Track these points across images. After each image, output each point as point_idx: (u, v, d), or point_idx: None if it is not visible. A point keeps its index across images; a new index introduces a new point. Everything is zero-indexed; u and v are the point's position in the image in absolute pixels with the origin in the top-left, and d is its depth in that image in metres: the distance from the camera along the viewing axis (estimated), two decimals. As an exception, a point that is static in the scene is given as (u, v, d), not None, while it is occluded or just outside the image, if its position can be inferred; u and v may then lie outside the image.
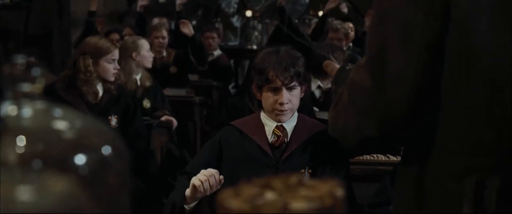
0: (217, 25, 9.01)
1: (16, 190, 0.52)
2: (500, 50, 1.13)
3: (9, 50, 5.64)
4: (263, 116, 2.20)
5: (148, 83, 4.26)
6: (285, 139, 2.16)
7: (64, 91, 3.25)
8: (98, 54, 3.25)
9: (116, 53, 3.33)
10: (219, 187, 1.98)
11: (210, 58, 6.31)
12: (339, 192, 0.56)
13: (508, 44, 1.13)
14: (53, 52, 6.79)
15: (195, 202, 2.01)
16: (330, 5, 5.84)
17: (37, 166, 0.53)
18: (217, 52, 6.53)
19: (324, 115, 2.87)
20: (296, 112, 2.21)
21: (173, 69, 5.37)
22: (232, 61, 8.10)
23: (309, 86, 3.50)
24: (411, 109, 1.17)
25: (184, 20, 5.48)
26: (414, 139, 1.24)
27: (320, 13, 7.07)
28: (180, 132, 4.64)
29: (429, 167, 1.20)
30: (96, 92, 3.30)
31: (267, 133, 2.17)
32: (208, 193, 1.97)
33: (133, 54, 4.22)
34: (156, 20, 6.53)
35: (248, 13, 9.73)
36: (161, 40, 5.39)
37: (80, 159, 0.56)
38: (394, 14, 1.17)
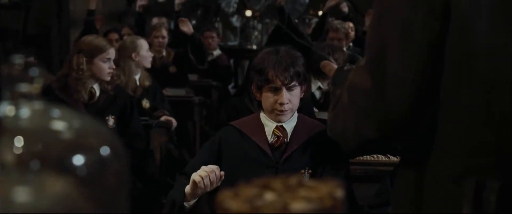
0: (216, 25, 9.02)
1: (14, 191, 0.51)
2: (500, 50, 1.13)
3: (7, 50, 5.63)
4: (263, 116, 2.20)
5: (147, 83, 4.25)
6: (285, 139, 2.16)
7: (61, 91, 3.23)
8: (93, 53, 3.22)
9: (111, 52, 3.29)
10: (219, 184, 1.97)
11: (209, 58, 6.30)
12: (339, 192, 0.55)
13: (508, 44, 1.13)
14: (52, 52, 6.79)
15: (195, 199, 2.01)
16: (330, 3, 5.85)
17: (35, 167, 0.53)
18: (217, 52, 6.53)
19: (324, 115, 2.87)
20: (296, 112, 2.21)
21: (172, 69, 5.36)
22: (231, 61, 8.09)
23: (309, 87, 3.49)
24: (411, 109, 1.17)
25: (183, 18, 5.46)
26: (413, 139, 1.24)
27: (320, 13, 7.07)
28: (180, 132, 4.64)
29: (429, 168, 1.20)
30: (93, 92, 3.28)
31: (267, 133, 2.17)
32: (208, 189, 1.96)
33: (132, 55, 4.21)
34: (155, 20, 6.53)
35: (248, 13, 9.72)
36: (161, 39, 5.39)
37: (78, 160, 0.55)
38: (394, 14, 1.17)
